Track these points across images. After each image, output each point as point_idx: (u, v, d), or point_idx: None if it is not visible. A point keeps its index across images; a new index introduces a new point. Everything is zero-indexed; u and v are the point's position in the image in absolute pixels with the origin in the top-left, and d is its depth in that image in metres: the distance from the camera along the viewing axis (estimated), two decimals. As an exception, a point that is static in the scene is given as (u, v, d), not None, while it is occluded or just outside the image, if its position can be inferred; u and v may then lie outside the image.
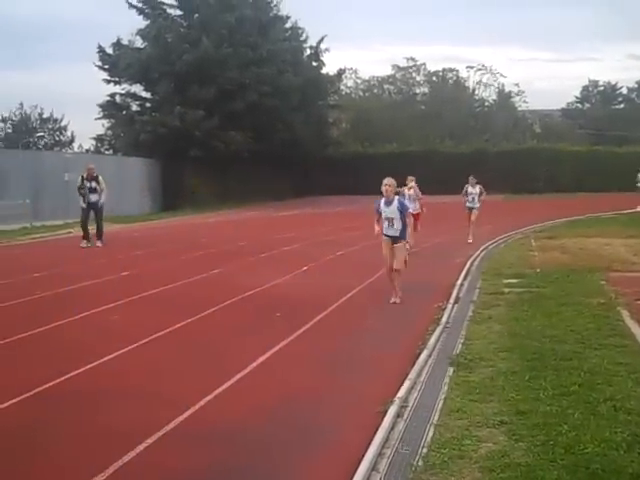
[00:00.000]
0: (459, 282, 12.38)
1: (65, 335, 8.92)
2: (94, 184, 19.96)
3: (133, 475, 4.77)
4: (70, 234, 25.15)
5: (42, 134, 56.90)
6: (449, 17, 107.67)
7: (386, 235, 10.76)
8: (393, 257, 10.62)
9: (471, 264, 14.74)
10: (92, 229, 20.09)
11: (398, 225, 10.64)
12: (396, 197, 10.87)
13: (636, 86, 69.59)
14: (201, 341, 8.62)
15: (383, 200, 10.74)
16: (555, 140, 54.34)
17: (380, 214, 10.78)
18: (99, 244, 19.84)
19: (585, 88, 71.10)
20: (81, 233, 20.26)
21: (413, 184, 17.56)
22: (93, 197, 20.01)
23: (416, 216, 16.20)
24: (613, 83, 69.91)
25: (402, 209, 10.68)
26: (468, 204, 19.89)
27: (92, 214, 20.11)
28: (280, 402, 6.21)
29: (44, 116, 57.23)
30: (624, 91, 70.17)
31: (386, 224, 10.72)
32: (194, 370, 7.29)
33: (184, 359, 7.77)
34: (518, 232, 22.18)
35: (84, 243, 19.76)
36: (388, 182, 10.77)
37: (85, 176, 20.06)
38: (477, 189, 19.94)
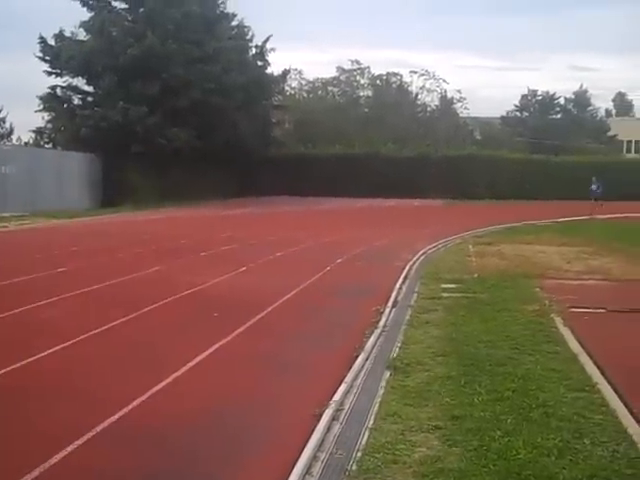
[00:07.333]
0: (398, 286, 12.41)
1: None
2: None
3: (59, 477, 4.65)
4: (6, 228, 24.63)
5: (-22, 125, 55.44)
6: (396, 21, 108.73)
7: None
8: None
9: (410, 268, 14.81)
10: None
11: None
12: None
13: (573, 97, 71.12)
14: (137, 340, 8.48)
15: None
16: (495, 147, 55.14)
17: None
18: None
19: (524, 97, 72.27)
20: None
21: None
22: None
23: None
24: (551, 93, 71.23)
25: None
26: None
27: None
28: (215, 403, 6.14)
29: (-19, 107, 55.75)
30: (562, 101, 71.62)
31: None
32: (128, 370, 7.17)
33: (118, 358, 7.64)
34: (457, 237, 22.36)
35: None
36: None
37: None
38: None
